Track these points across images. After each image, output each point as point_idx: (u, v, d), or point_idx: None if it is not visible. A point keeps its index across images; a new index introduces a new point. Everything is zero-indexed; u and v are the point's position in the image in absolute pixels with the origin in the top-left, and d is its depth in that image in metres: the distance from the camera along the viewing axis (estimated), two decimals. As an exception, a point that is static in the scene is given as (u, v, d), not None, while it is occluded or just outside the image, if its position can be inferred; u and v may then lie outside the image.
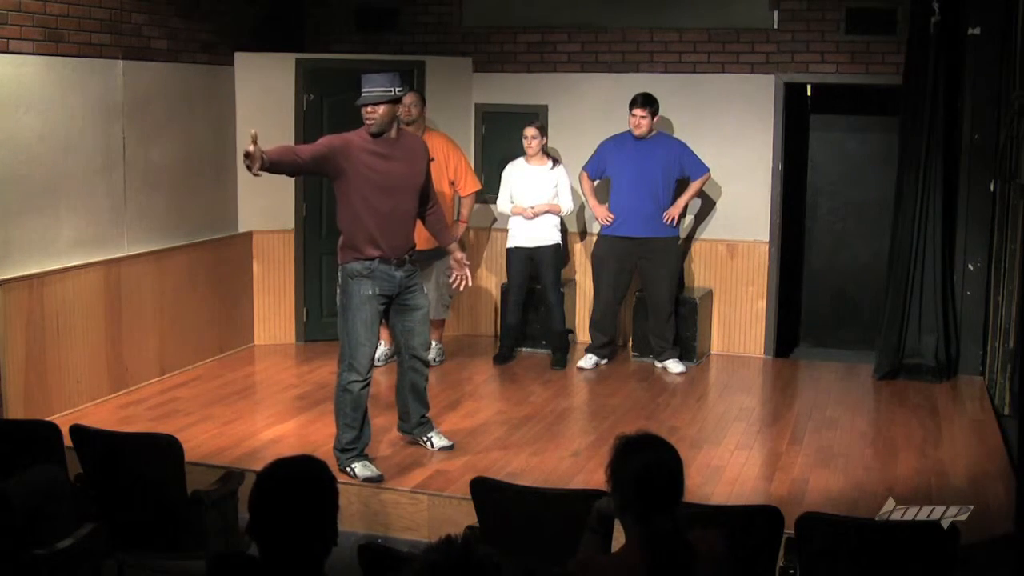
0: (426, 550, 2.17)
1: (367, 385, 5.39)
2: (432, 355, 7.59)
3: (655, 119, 7.41)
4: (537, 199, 7.46)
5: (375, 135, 5.23)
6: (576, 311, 8.23)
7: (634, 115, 7.36)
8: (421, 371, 5.68)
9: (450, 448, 5.76)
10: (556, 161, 7.61)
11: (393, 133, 5.28)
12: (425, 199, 5.58)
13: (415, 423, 5.80)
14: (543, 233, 7.51)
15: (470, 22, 8.42)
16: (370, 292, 5.31)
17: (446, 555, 2.10)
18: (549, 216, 7.49)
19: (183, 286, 7.29)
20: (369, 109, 5.18)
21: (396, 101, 5.23)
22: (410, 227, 5.43)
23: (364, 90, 5.21)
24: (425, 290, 5.57)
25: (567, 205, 7.57)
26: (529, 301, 7.79)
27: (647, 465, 2.86)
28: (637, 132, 7.38)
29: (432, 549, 2.13)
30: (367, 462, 5.41)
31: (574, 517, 3.56)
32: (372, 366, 5.45)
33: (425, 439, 5.79)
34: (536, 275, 7.61)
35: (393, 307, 5.48)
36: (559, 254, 7.66)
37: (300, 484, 2.60)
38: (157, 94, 7.01)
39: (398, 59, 8.26)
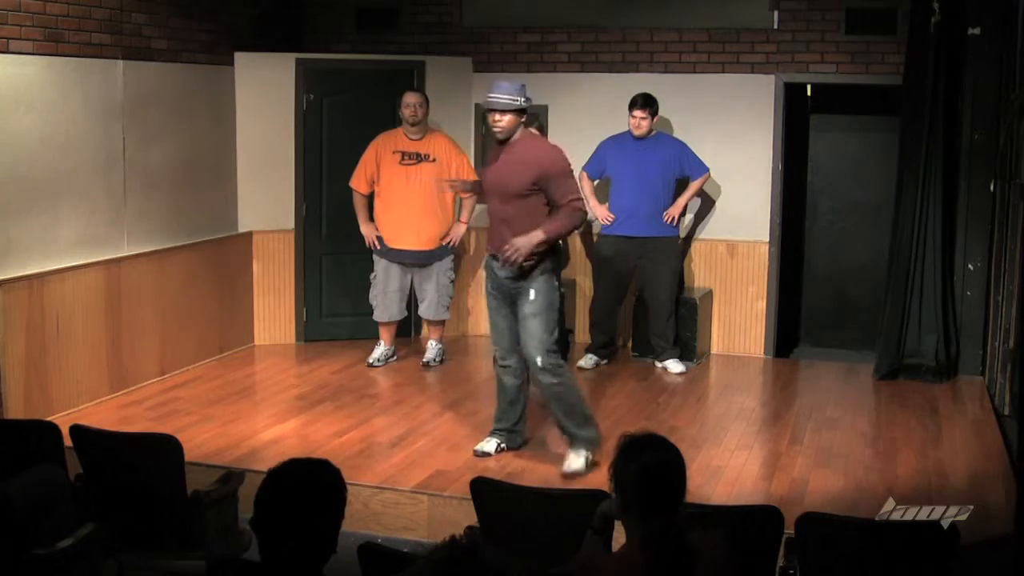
0: (431, 550, 2.17)
1: (506, 371, 5.61)
2: (432, 356, 7.60)
3: (655, 119, 7.41)
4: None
5: (500, 143, 5.43)
6: (576, 311, 8.23)
7: (634, 116, 7.36)
8: (535, 378, 5.48)
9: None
10: None
11: (516, 138, 5.40)
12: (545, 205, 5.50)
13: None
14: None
15: (470, 22, 8.42)
16: (486, 284, 5.62)
17: (451, 555, 2.10)
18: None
19: (183, 286, 7.29)
20: (497, 116, 5.33)
21: (521, 111, 5.34)
22: (510, 230, 5.35)
23: (490, 95, 5.35)
24: (532, 296, 5.38)
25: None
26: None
27: (650, 466, 2.86)
28: (637, 133, 7.39)
29: (437, 549, 2.14)
30: (491, 439, 5.68)
31: (574, 517, 3.56)
32: (505, 354, 5.58)
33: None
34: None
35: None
36: (559, 254, 7.63)
37: (310, 487, 2.60)
38: (157, 94, 7.00)
39: (398, 59, 8.27)
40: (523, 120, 5.41)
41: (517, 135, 5.40)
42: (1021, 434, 5.00)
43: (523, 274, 5.39)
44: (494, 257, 5.48)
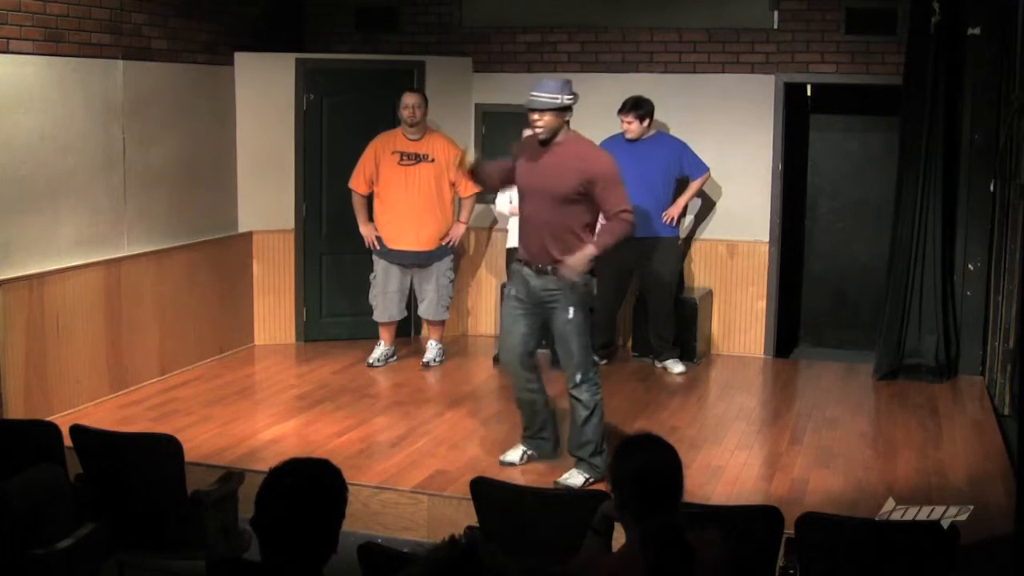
0: (430, 550, 2.17)
1: (531, 388, 5.43)
2: (432, 356, 7.60)
3: (646, 122, 7.38)
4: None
5: (542, 143, 5.14)
6: (576, 311, 8.21)
7: (622, 120, 7.37)
8: (569, 398, 5.31)
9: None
10: None
11: (560, 139, 5.13)
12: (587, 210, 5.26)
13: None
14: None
15: (470, 22, 8.42)
16: (507, 290, 5.42)
17: (450, 555, 2.10)
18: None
19: (183, 286, 7.29)
20: (536, 115, 5.07)
21: (564, 110, 5.09)
22: (550, 236, 5.12)
23: (532, 93, 5.09)
24: (570, 314, 5.12)
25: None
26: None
27: (645, 465, 2.87)
28: (628, 136, 7.39)
29: (436, 549, 2.13)
30: (518, 447, 5.54)
31: (574, 517, 3.57)
32: (512, 361, 5.38)
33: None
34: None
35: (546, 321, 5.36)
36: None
37: (311, 486, 2.60)
38: (157, 94, 7.00)
39: (398, 59, 8.27)
40: (567, 119, 5.14)
41: (561, 136, 5.13)
42: (1021, 434, 5.00)
43: (563, 287, 5.13)
44: (526, 264, 5.24)
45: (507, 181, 5.54)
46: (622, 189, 5.14)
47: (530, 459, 5.53)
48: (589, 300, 5.24)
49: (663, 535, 2.80)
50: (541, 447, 5.58)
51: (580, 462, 5.32)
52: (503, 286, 7.81)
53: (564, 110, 5.09)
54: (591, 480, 5.26)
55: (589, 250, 5.05)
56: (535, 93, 5.08)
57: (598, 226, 5.28)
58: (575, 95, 5.13)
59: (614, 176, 5.13)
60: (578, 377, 5.23)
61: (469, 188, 7.38)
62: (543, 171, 5.13)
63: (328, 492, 2.62)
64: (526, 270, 5.24)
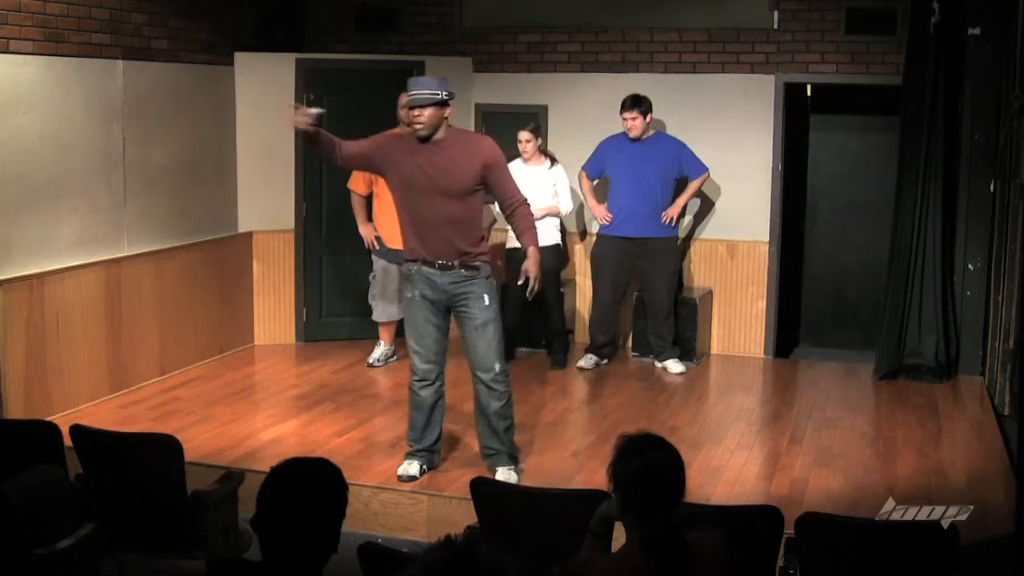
0: (427, 550, 2.17)
1: (427, 386, 5.29)
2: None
3: (648, 118, 7.40)
4: (536, 199, 7.41)
5: (422, 139, 5.07)
6: (576, 311, 8.23)
7: (625, 118, 7.37)
8: (481, 392, 5.26)
9: None
10: (554, 160, 7.60)
11: (441, 135, 5.09)
12: (493, 200, 5.43)
13: (483, 452, 5.41)
14: (542, 234, 7.43)
15: (470, 22, 8.42)
16: (410, 295, 5.27)
17: (448, 555, 2.10)
18: (549, 217, 7.48)
19: (183, 286, 7.29)
20: (416, 112, 5.01)
21: (444, 104, 5.05)
22: (455, 232, 5.11)
23: (411, 92, 5.04)
24: (487, 300, 5.15)
25: (566, 205, 7.57)
26: (529, 302, 7.75)
27: (647, 466, 2.86)
28: (632, 134, 7.39)
29: (433, 549, 2.13)
30: (413, 461, 5.36)
31: (574, 517, 3.56)
32: (430, 367, 5.27)
33: (492, 471, 5.30)
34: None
35: (454, 316, 5.31)
36: (559, 255, 7.66)
37: (311, 485, 2.60)
38: (157, 94, 7.01)
39: (398, 59, 8.27)
40: (446, 115, 5.08)
41: (443, 132, 5.08)
42: (1021, 434, 5.00)
43: (471, 279, 5.15)
44: (425, 263, 5.15)
45: (363, 168, 5.43)
46: (510, 173, 5.29)
47: (425, 472, 5.38)
48: (496, 290, 5.29)
49: (663, 537, 2.80)
50: (432, 460, 5.45)
51: (506, 456, 5.32)
52: (503, 287, 7.83)
53: (443, 105, 5.05)
54: (521, 469, 5.34)
55: (533, 252, 5.17)
56: (414, 91, 5.02)
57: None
58: (452, 93, 5.13)
59: (504, 161, 5.26)
60: (497, 366, 5.22)
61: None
62: (434, 167, 5.06)
63: (328, 491, 2.62)
64: (427, 269, 5.16)
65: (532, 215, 5.31)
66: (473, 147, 5.15)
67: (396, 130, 7.37)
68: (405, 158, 5.11)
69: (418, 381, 5.31)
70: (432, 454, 5.44)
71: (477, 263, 5.17)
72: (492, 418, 5.28)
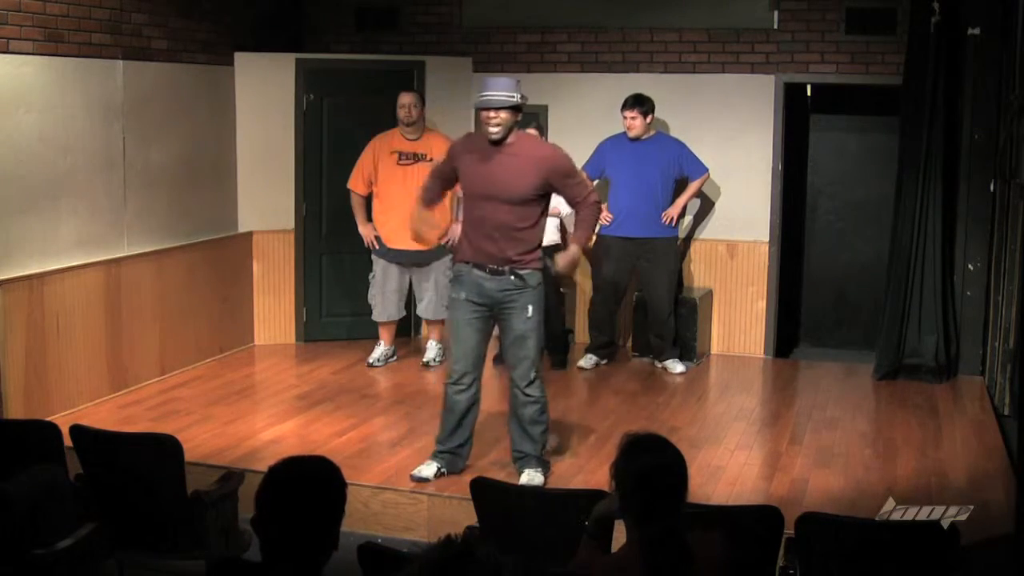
0: (426, 549, 2.17)
1: (462, 390, 5.25)
2: (432, 355, 7.60)
3: (648, 118, 7.39)
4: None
5: (494, 143, 5.02)
6: (576, 311, 8.23)
7: (625, 117, 7.37)
8: (517, 397, 5.23)
9: None
10: None
11: (511, 140, 5.04)
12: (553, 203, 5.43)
13: (513, 455, 5.38)
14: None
15: (470, 22, 8.42)
16: (456, 295, 5.23)
17: (446, 555, 2.10)
18: (548, 217, 7.47)
19: (183, 286, 7.29)
20: (492, 114, 4.96)
21: (517, 109, 5.00)
22: (509, 239, 5.05)
23: (487, 92, 4.98)
24: (530, 312, 5.10)
25: (566, 206, 7.55)
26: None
27: (649, 468, 2.85)
28: (631, 133, 7.40)
29: (433, 548, 2.13)
30: (432, 463, 5.32)
31: (574, 517, 3.56)
32: (468, 371, 5.24)
33: (519, 473, 5.29)
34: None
35: (496, 321, 5.27)
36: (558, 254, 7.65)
37: (310, 484, 2.60)
38: (157, 94, 7.01)
39: (398, 59, 8.27)
40: (519, 119, 5.08)
41: (513, 135, 5.05)
42: (1021, 434, 5.00)
43: (519, 288, 5.11)
44: (476, 266, 5.12)
45: (448, 188, 5.47)
46: (582, 175, 5.23)
47: (442, 475, 5.33)
48: (543, 299, 5.27)
49: (663, 538, 2.80)
50: (455, 463, 5.38)
51: (535, 459, 5.31)
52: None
53: (518, 109, 5.02)
54: (549, 473, 5.35)
55: (574, 249, 5.20)
56: (489, 92, 4.98)
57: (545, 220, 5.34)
58: (526, 96, 5.10)
59: (572, 165, 5.19)
60: (532, 374, 5.22)
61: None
62: (498, 173, 5.02)
63: (327, 489, 2.62)
64: (477, 272, 5.13)
65: (594, 216, 5.26)
66: (539, 156, 5.08)
67: (384, 134, 7.40)
68: (474, 160, 5.09)
69: (452, 384, 5.28)
70: (455, 457, 5.37)
71: (527, 271, 5.12)
72: (526, 423, 5.28)
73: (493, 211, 5.04)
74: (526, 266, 5.10)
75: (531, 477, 5.24)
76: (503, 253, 5.08)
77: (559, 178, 5.07)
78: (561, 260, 5.22)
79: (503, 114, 4.96)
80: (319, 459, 2.70)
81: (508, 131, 5.02)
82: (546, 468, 5.37)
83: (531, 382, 5.22)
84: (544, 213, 5.20)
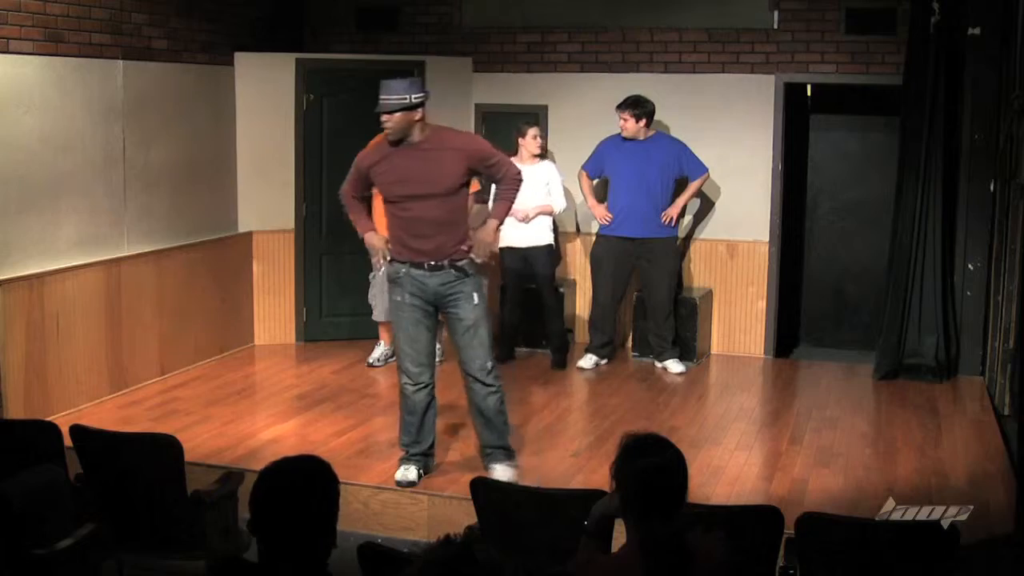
0: (426, 550, 2.17)
1: (420, 388, 5.25)
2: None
3: (642, 122, 7.37)
4: (530, 197, 7.41)
5: (393, 143, 5.08)
6: (575, 311, 8.23)
7: (618, 116, 7.38)
8: (478, 391, 5.26)
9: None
10: (543, 156, 7.62)
11: (419, 137, 5.08)
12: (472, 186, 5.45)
13: (482, 451, 5.41)
14: (535, 234, 7.51)
15: (470, 22, 8.42)
16: (399, 297, 5.23)
17: (446, 555, 2.10)
18: (542, 216, 7.49)
19: (183, 286, 7.29)
20: (384, 117, 5.02)
21: (412, 108, 5.04)
22: (442, 232, 5.09)
23: (380, 97, 5.02)
24: (476, 299, 5.14)
25: (559, 204, 7.57)
26: (528, 301, 7.76)
27: (649, 468, 2.85)
28: (624, 134, 7.40)
29: (432, 549, 2.14)
30: (411, 466, 5.31)
31: (574, 517, 3.56)
32: (425, 369, 5.24)
33: (489, 469, 5.29)
34: (531, 275, 7.59)
35: (443, 317, 5.31)
36: (552, 254, 7.67)
37: (302, 483, 2.61)
38: (157, 94, 7.01)
39: (398, 59, 8.26)
40: (419, 117, 5.05)
41: (419, 133, 5.08)
42: (1021, 434, 5.01)
43: (460, 279, 5.13)
44: (414, 265, 5.12)
45: (366, 189, 5.39)
46: (500, 153, 5.24)
47: (422, 476, 5.32)
48: (485, 286, 5.28)
49: (663, 538, 2.80)
50: (429, 464, 5.41)
51: (504, 451, 5.33)
52: (502, 288, 7.84)
53: (411, 109, 5.03)
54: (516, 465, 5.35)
55: (492, 224, 5.20)
56: (381, 96, 5.01)
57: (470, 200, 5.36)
58: (426, 92, 5.11)
59: (489, 146, 5.25)
60: (489, 364, 5.24)
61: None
62: (421, 170, 5.05)
63: (319, 486, 2.63)
64: (416, 271, 5.14)
65: (514, 190, 5.21)
66: (456, 146, 5.14)
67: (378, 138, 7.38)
68: (391, 165, 5.11)
69: (411, 384, 5.27)
70: (428, 458, 5.42)
71: (465, 261, 5.16)
72: (491, 415, 5.29)
73: (423, 209, 5.07)
74: (463, 256, 5.16)
75: (504, 472, 5.26)
76: (440, 249, 5.12)
77: (480, 162, 5.14)
78: (478, 236, 5.15)
79: (396, 116, 5.00)
80: (309, 457, 2.71)
81: (405, 132, 5.05)
82: (514, 459, 5.41)
83: (490, 371, 5.24)
84: (466, 199, 5.26)
